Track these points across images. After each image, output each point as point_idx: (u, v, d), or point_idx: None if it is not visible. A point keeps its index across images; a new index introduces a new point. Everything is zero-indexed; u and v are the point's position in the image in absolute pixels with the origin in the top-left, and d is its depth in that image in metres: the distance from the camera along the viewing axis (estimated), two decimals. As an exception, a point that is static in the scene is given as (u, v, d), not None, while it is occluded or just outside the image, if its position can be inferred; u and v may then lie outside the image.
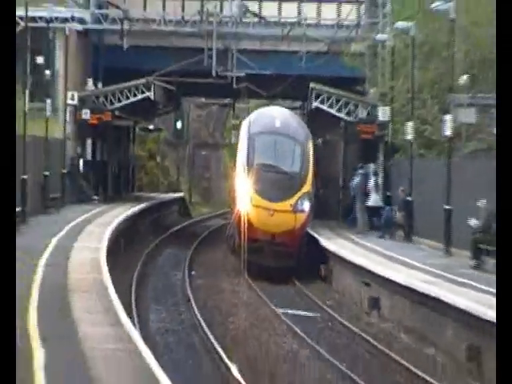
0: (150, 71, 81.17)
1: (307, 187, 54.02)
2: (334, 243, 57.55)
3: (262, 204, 52.35)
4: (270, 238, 53.15)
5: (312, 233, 64.03)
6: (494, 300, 35.20)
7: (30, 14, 64.77)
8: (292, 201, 52.38)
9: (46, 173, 67.23)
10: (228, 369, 32.02)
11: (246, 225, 49.69)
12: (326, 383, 34.26)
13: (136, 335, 26.37)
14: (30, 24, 66.11)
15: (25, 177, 58.01)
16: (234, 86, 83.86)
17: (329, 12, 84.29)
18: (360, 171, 65.64)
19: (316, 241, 61.54)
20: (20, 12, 60.12)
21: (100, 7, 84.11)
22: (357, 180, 64.36)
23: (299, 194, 52.94)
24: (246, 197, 51.49)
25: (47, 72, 72.75)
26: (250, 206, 51.60)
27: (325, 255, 57.03)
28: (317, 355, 37.63)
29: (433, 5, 55.86)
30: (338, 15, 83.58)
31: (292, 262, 53.51)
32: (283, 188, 52.76)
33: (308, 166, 54.96)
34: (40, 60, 72.19)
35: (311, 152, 56.12)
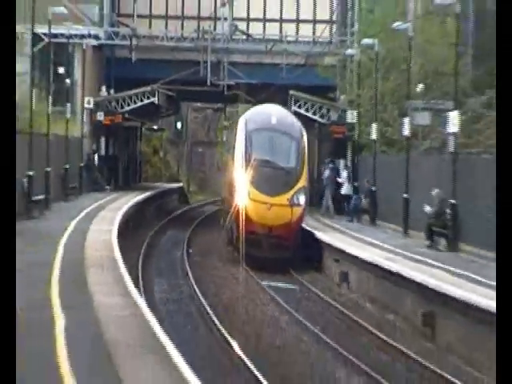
0: (155, 80, 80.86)
1: (303, 182, 50.57)
2: (308, 225, 57.18)
3: (259, 198, 48.89)
4: (268, 231, 49.76)
5: None
6: (445, 274, 36.22)
7: (53, 31, 63.68)
8: (289, 195, 49.13)
9: (66, 166, 66.81)
10: (219, 331, 32.35)
11: (244, 218, 46.13)
12: (303, 344, 34.03)
13: (142, 304, 26.43)
14: (53, 40, 65.81)
15: (48, 169, 57.68)
16: (226, 93, 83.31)
17: (305, 31, 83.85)
18: (330, 165, 66.57)
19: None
20: (44, 29, 60.69)
21: (112, 25, 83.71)
22: (327, 173, 65.23)
23: (295, 188, 49.62)
24: (244, 191, 48.10)
25: (67, 80, 72.72)
26: (248, 200, 48.27)
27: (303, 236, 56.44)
28: (294, 320, 37.83)
29: (394, 25, 55.81)
30: (314, 33, 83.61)
31: (288, 253, 50.24)
32: (280, 183, 49.55)
33: (303, 161, 51.49)
34: (61, 70, 72.28)
35: (306, 148, 52.45)
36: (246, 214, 46.48)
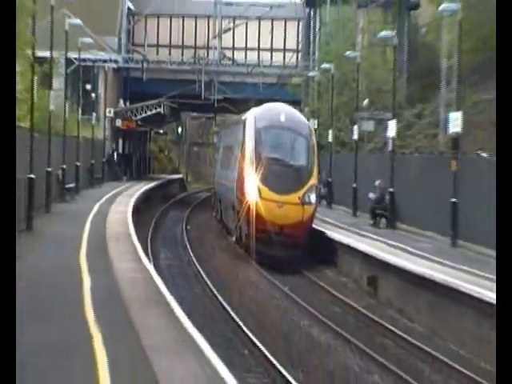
0: (161, 95, 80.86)
1: (314, 180, 41.65)
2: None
3: (270, 197, 40.32)
4: (279, 230, 40.99)
5: None
6: (384, 246, 36.52)
7: (82, 56, 64.19)
8: (300, 193, 40.34)
9: (92, 161, 66.67)
10: (209, 287, 32.37)
11: (255, 217, 39.36)
12: (274, 299, 33.88)
13: (151, 268, 26.43)
14: (82, 63, 65.99)
15: (78, 164, 57.38)
16: (216, 105, 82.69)
17: (278, 57, 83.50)
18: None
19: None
20: (75, 55, 60.21)
21: (128, 52, 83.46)
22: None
23: (307, 186, 40.85)
24: (254, 190, 39.87)
25: (93, 95, 72.95)
26: (259, 199, 40.07)
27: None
28: (266, 280, 38.09)
29: (345, 54, 55.63)
30: (284, 59, 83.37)
31: (298, 251, 41.24)
32: (291, 181, 40.88)
33: (314, 159, 42.38)
34: (88, 87, 72.05)
35: (315, 145, 43.36)
36: (257, 213, 39.31)
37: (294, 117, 42.81)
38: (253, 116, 41.74)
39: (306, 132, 42.43)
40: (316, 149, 42.36)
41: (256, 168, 38.74)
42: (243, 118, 44.61)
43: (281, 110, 41.65)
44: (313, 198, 40.53)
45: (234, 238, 44.62)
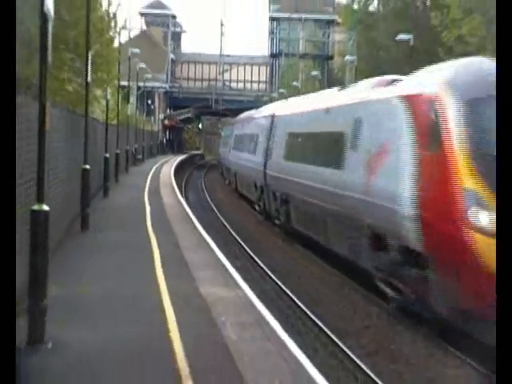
0: (190, 106, 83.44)
1: None
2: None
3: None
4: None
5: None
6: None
7: (146, 84, 65.54)
8: None
9: (151, 143, 66.66)
10: (214, 212, 32.12)
11: (477, 262, 10.59)
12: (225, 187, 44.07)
13: (183, 202, 26.43)
14: (146, 89, 67.78)
15: (143, 144, 56.91)
16: (221, 112, 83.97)
17: (256, 85, 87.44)
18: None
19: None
20: (141, 84, 62.17)
21: (171, 82, 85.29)
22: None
23: None
24: (475, 211, 10.86)
25: (152, 106, 76.63)
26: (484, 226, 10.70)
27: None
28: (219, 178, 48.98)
29: (293, 83, 60.29)
30: (259, 86, 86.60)
31: None
32: None
33: None
34: (149, 102, 75.02)
35: None
36: (480, 253, 10.68)
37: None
38: (447, 79, 12.74)
39: None
40: None
41: (472, 172, 11.52)
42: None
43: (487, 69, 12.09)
44: None
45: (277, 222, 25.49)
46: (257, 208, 30.65)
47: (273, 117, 28.44)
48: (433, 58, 18.38)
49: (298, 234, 22.24)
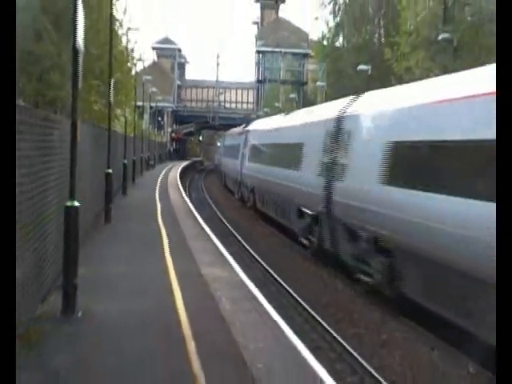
0: (192, 121, 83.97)
1: None
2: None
3: None
4: None
5: None
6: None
7: (157, 104, 64.90)
8: None
9: (161, 152, 66.10)
10: (212, 207, 31.48)
11: None
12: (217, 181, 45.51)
13: (187, 199, 25.72)
14: (157, 108, 66.94)
15: (155, 153, 56.70)
16: (217, 127, 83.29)
17: (244, 105, 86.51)
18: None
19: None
20: (153, 104, 61.03)
21: (177, 103, 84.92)
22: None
23: None
24: None
25: (162, 122, 76.69)
26: None
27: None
28: (215, 177, 48.74)
29: (275, 104, 60.60)
30: (247, 106, 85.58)
31: None
32: None
33: None
34: (159, 118, 74.60)
35: None
36: None
37: None
38: None
39: None
40: None
41: None
42: None
43: None
44: None
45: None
46: (236, 196, 33.66)
47: (247, 131, 31.73)
48: (386, 85, 18.30)
49: (261, 213, 25.44)
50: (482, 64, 10.60)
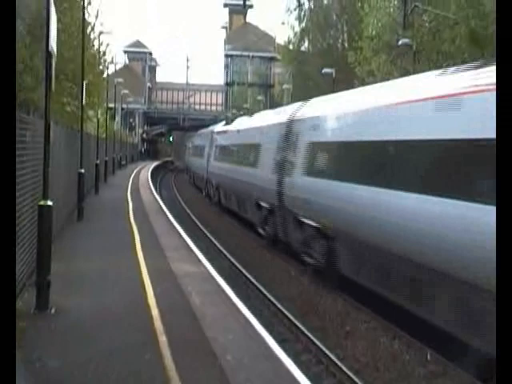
0: (163, 123, 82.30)
1: None
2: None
3: None
4: None
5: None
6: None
7: (129, 106, 64.91)
8: None
9: (132, 153, 66.51)
10: (181, 204, 31.19)
11: None
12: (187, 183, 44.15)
13: (158, 197, 26.20)
14: (129, 109, 67.12)
15: (126, 154, 56.32)
16: (186, 128, 79.38)
17: (214, 107, 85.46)
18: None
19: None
20: (125, 105, 61.70)
21: (148, 105, 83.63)
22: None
23: None
24: None
25: (133, 124, 75.65)
26: None
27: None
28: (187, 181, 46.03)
29: (244, 106, 60.83)
30: (216, 108, 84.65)
31: None
32: None
33: None
34: (131, 120, 74.40)
35: None
36: None
37: None
38: None
39: None
40: None
41: None
42: None
43: None
44: None
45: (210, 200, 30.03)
46: (203, 193, 34.09)
47: (212, 133, 32.25)
48: (349, 88, 18.58)
49: (225, 208, 26.16)
50: (440, 67, 12.11)
